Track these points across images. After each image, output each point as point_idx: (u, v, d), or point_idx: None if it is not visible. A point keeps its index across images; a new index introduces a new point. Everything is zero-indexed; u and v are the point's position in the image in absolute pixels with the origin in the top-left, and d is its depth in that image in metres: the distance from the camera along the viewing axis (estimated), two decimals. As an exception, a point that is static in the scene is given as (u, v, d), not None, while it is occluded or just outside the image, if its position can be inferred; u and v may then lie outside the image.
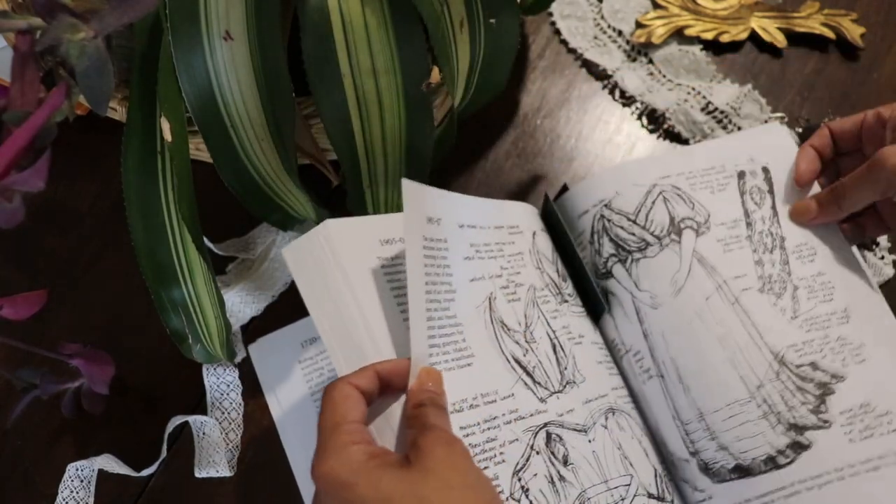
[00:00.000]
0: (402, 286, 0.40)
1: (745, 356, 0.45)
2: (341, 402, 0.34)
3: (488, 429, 0.40)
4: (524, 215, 0.50)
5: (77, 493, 0.49)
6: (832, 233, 0.49)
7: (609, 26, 0.63)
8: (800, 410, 0.44)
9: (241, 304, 0.52)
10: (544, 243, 0.50)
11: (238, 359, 0.52)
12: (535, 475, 0.40)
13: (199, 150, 0.49)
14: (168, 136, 0.38)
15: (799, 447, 0.43)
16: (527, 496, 0.39)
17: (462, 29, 0.42)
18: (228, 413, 0.51)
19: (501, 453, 0.39)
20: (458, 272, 0.42)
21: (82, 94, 0.36)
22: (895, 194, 0.44)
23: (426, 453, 0.33)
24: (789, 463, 0.43)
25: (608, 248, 0.49)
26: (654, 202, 0.49)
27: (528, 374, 0.43)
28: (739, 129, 0.60)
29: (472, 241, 0.44)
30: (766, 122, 0.60)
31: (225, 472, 0.49)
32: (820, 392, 0.44)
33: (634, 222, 0.49)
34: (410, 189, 0.39)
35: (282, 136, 0.41)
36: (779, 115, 0.61)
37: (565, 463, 0.42)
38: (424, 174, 0.45)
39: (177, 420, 0.50)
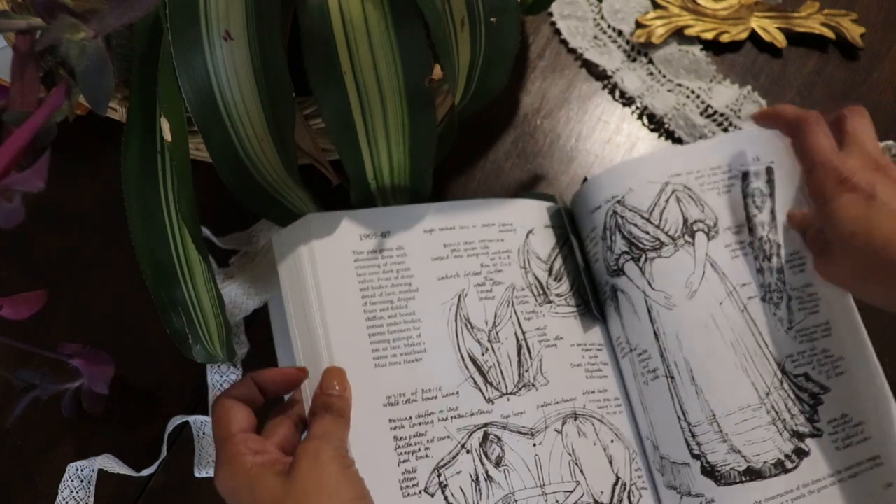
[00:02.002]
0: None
1: (755, 363, 0.46)
2: (223, 416, 0.39)
3: (419, 424, 0.43)
4: (523, 213, 0.50)
5: (77, 493, 0.49)
6: None
7: (609, 26, 0.63)
8: (799, 419, 0.45)
9: (244, 297, 0.52)
10: (540, 242, 0.50)
11: (241, 353, 0.52)
12: (459, 472, 0.42)
13: (198, 149, 0.49)
14: (168, 136, 0.38)
15: (801, 453, 0.45)
16: (443, 491, 0.41)
17: (463, 27, 0.42)
18: None
19: (427, 448, 0.42)
20: (423, 272, 0.46)
21: (82, 94, 0.36)
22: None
23: (295, 464, 0.36)
24: (795, 468, 0.44)
25: (620, 246, 0.48)
26: (667, 201, 0.49)
27: (481, 373, 0.45)
28: (741, 130, 0.60)
29: (446, 242, 0.47)
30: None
31: None
32: (813, 402, 0.46)
33: (648, 220, 0.48)
34: (321, 220, 0.45)
35: (282, 135, 0.41)
36: (779, 115, 0.61)
37: (497, 464, 0.43)
38: (429, 167, 0.45)
39: (177, 420, 0.50)
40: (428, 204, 0.48)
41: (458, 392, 0.44)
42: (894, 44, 0.63)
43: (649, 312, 0.47)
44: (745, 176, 0.49)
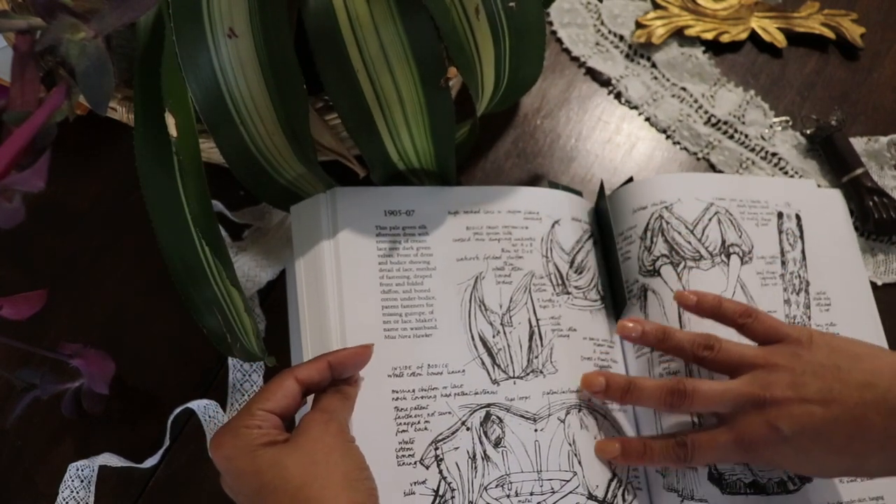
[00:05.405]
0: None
1: None
2: (272, 389, 0.38)
3: (422, 397, 0.43)
4: (552, 204, 0.51)
5: (77, 492, 0.49)
6: (852, 287, 0.52)
7: (610, 31, 0.63)
8: None
9: (258, 269, 0.52)
10: (565, 234, 0.51)
11: (260, 329, 0.52)
12: (457, 448, 0.43)
13: (205, 152, 0.49)
14: (173, 132, 0.37)
15: (804, 478, 0.46)
16: (438, 465, 0.42)
17: (479, 17, 0.42)
18: (249, 395, 0.51)
19: (427, 422, 0.43)
20: (442, 252, 0.47)
21: (82, 94, 0.36)
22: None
23: (301, 431, 0.37)
24: (796, 490, 0.46)
25: (661, 248, 0.50)
26: (710, 220, 0.51)
27: (490, 354, 0.46)
28: (746, 136, 0.60)
29: (469, 225, 0.49)
30: (770, 127, 0.60)
31: None
32: None
33: (692, 232, 0.50)
34: (347, 194, 0.46)
35: (295, 130, 0.41)
36: (783, 118, 0.61)
37: (496, 445, 0.44)
38: (451, 153, 0.46)
39: (179, 409, 0.49)
40: (456, 187, 0.49)
41: (464, 370, 0.45)
42: (894, 44, 0.63)
43: (679, 317, 0.48)
44: (780, 215, 0.53)
